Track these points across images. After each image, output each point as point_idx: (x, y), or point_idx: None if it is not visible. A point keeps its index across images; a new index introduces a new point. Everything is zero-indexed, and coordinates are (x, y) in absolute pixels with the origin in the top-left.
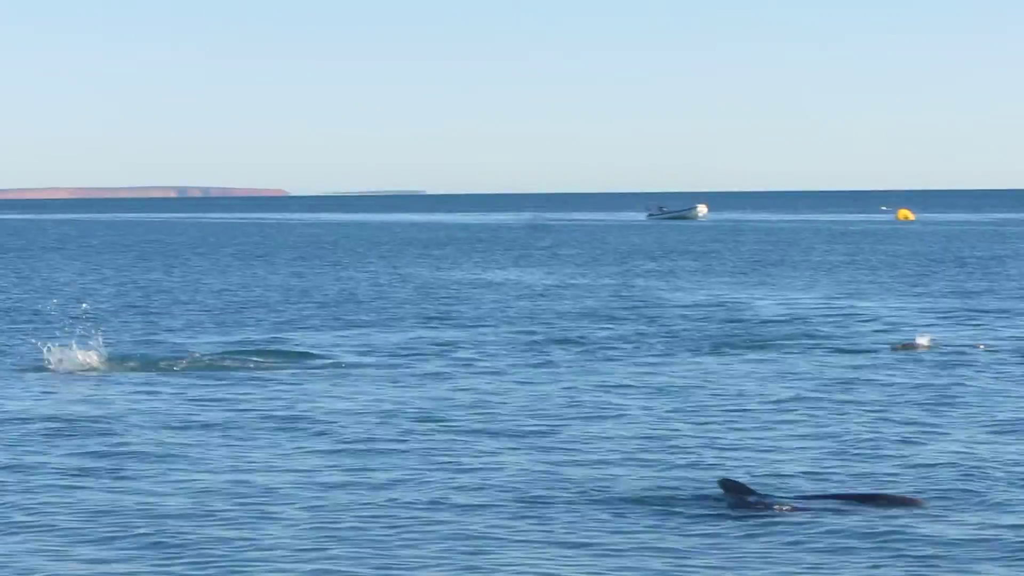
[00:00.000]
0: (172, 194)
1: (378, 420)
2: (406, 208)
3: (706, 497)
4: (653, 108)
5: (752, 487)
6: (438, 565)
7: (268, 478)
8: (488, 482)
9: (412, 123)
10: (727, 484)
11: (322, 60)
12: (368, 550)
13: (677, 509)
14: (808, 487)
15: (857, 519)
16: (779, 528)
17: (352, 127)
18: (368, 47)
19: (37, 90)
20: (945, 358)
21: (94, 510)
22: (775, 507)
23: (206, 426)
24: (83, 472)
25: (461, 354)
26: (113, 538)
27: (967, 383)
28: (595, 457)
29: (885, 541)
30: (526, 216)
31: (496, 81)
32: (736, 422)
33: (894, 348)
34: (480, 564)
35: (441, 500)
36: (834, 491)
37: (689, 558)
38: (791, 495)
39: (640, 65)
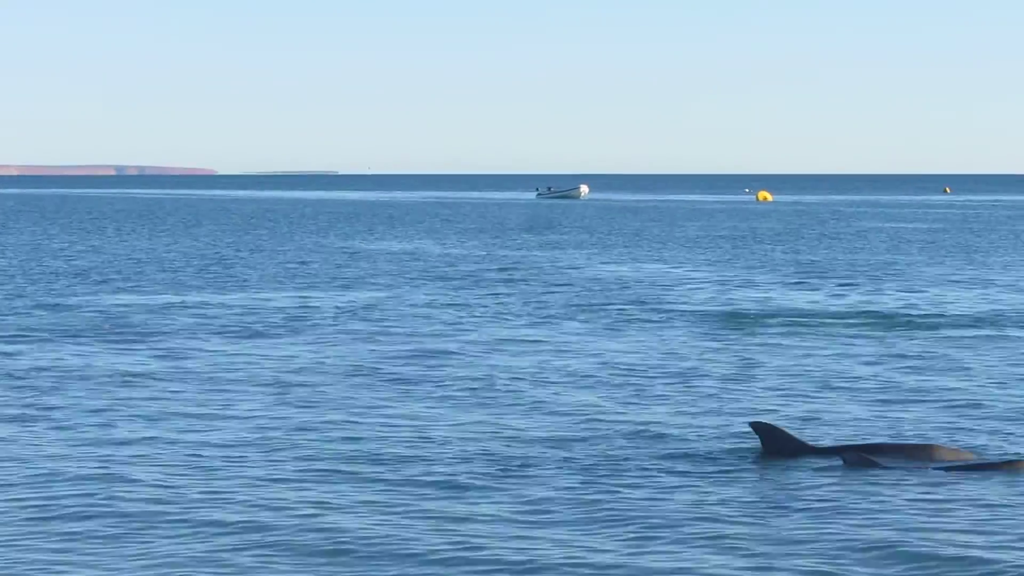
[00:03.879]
0: (111, 172)
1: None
2: (320, 187)
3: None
4: (541, 96)
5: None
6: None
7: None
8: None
9: (325, 108)
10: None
11: (252, 48)
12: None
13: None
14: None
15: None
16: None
17: (275, 111)
18: (290, 35)
19: None
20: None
21: None
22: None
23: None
24: None
25: (378, 315)
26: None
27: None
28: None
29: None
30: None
31: (401, 68)
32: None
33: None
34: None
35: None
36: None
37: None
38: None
39: (532, 58)
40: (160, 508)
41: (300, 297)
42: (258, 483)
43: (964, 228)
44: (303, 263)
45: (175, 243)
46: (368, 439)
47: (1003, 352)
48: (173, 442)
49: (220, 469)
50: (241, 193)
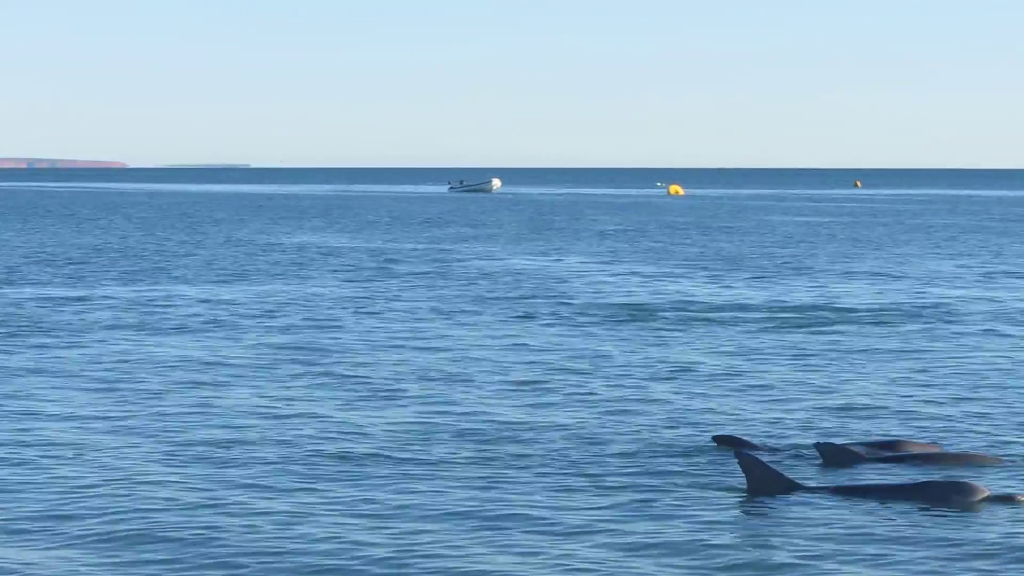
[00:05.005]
0: (23, 165)
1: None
2: (233, 180)
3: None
4: (453, 90)
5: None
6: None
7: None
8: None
9: (237, 102)
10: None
11: (163, 42)
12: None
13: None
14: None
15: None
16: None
17: (186, 104)
18: (202, 30)
19: None
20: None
21: None
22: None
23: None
24: None
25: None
26: None
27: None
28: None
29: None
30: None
31: (313, 63)
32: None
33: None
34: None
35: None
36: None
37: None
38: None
39: (445, 52)
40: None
41: (206, 290)
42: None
43: (873, 222)
44: (213, 257)
45: (81, 237)
46: (270, 433)
47: (902, 343)
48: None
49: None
50: (151, 186)
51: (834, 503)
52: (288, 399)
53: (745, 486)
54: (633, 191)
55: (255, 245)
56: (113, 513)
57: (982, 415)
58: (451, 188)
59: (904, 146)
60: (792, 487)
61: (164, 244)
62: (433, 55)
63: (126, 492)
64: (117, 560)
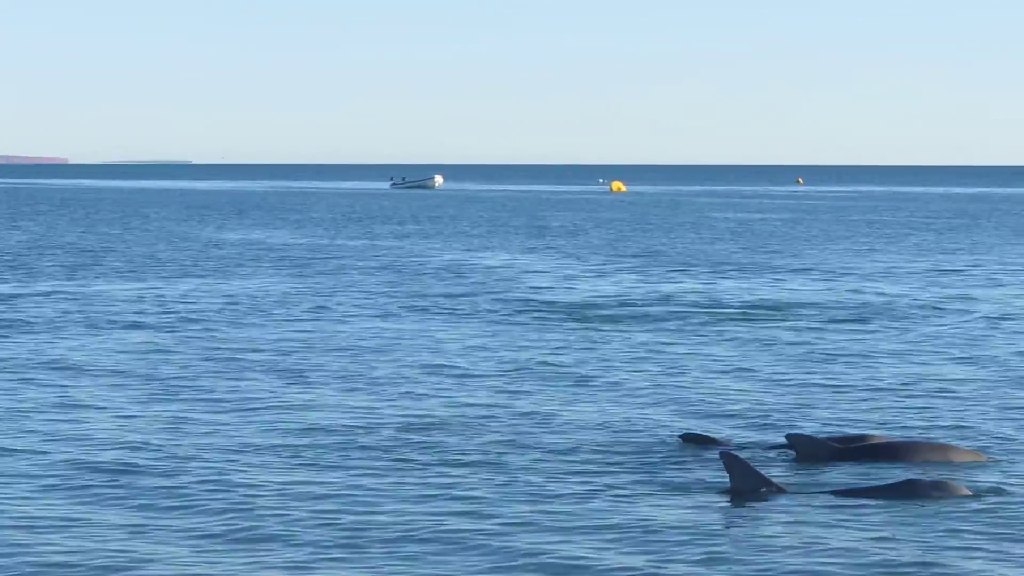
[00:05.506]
0: None
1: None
2: (175, 176)
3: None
4: (394, 86)
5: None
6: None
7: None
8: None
9: (179, 98)
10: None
11: (107, 36)
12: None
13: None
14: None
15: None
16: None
17: (128, 101)
18: (145, 24)
19: None
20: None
21: None
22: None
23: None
24: None
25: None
26: None
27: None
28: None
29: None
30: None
31: (253, 59)
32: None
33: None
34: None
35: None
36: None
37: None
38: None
39: (387, 48)
40: None
41: (147, 287)
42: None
43: (817, 218)
44: (153, 253)
45: (23, 234)
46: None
47: (847, 337)
48: None
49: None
50: (94, 182)
51: (818, 501)
52: (216, 400)
53: (728, 486)
54: (577, 188)
55: (195, 242)
56: None
57: (927, 406)
58: (393, 185)
59: (847, 144)
60: (770, 484)
61: (101, 241)
62: (373, 52)
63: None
64: None
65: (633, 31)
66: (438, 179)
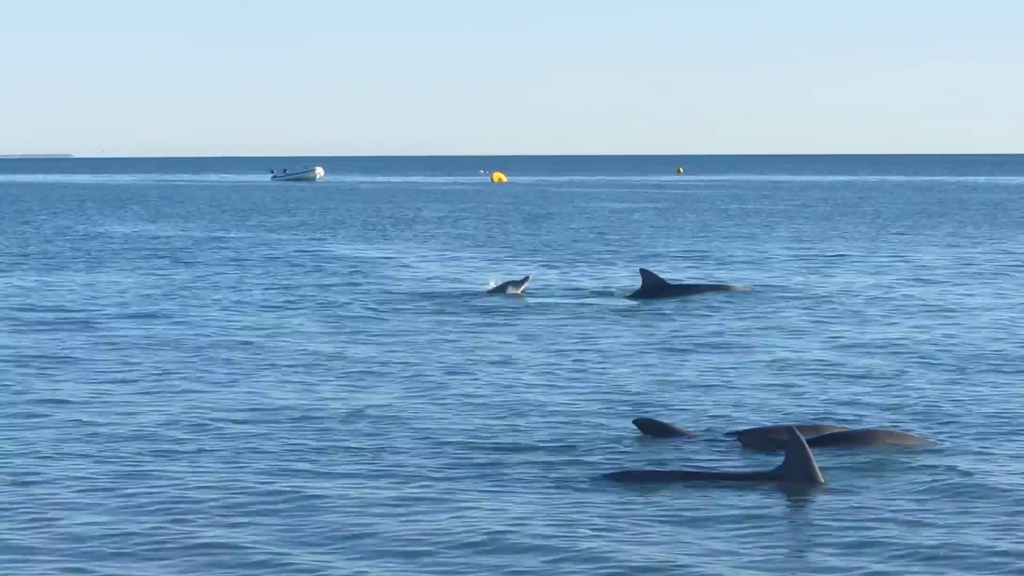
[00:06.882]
0: None
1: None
2: (54, 170)
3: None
4: (271, 80)
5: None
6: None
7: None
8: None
9: (58, 91)
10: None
11: None
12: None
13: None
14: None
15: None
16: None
17: (4, 94)
18: (19, 17)
19: None
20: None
21: None
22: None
23: None
24: None
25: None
26: None
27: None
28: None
29: None
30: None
31: (132, 51)
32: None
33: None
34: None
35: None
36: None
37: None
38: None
39: (264, 41)
40: None
41: (21, 281)
42: None
43: (693, 207)
44: (25, 246)
45: None
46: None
47: (756, 325)
48: None
49: None
50: None
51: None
52: (98, 392)
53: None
54: (459, 179)
55: (74, 235)
56: None
57: (856, 394)
58: (274, 177)
59: (729, 134)
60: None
61: None
62: (254, 46)
63: None
64: None
65: (515, 21)
66: (319, 171)
